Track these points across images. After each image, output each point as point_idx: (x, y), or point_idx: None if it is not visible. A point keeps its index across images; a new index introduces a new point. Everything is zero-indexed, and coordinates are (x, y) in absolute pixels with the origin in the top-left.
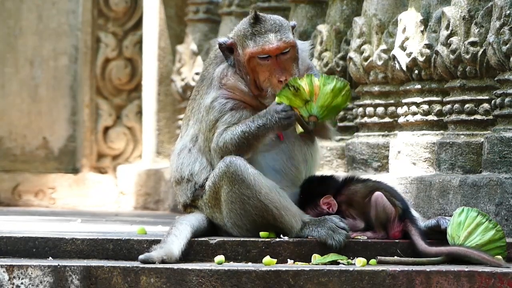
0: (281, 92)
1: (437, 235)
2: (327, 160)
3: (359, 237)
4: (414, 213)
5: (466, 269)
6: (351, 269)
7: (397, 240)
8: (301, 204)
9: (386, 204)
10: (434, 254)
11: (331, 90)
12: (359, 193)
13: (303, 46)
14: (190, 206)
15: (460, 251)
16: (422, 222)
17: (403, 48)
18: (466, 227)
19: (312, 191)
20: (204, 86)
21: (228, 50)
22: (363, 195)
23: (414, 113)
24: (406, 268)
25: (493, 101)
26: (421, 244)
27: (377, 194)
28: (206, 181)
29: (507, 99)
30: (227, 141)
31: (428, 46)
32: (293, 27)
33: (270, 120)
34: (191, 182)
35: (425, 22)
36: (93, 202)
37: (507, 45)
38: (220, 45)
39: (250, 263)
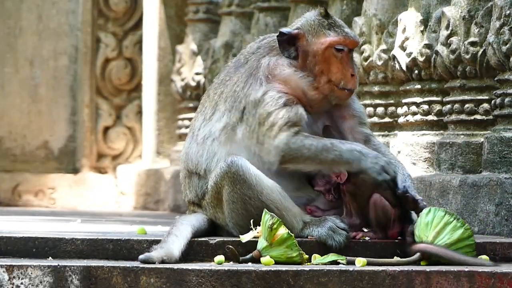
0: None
1: None
2: None
3: (360, 238)
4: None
5: (466, 269)
6: (351, 269)
7: (397, 240)
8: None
9: (385, 205)
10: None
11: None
12: (365, 189)
13: None
14: (195, 205)
15: (432, 249)
16: None
17: (403, 48)
18: (434, 226)
19: None
20: (241, 74)
21: (288, 41)
22: (368, 191)
23: (414, 113)
24: (406, 268)
25: (493, 101)
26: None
27: (376, 196)
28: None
29: (507, 99)
30: (305, 145)
31: (428, 46)
32: None
33: (373, 161)
34: (203, 180)
35: (425, 22)
36: (93, 202)
37: (507, 45)
38: (283, 34)
39: (250, 263)
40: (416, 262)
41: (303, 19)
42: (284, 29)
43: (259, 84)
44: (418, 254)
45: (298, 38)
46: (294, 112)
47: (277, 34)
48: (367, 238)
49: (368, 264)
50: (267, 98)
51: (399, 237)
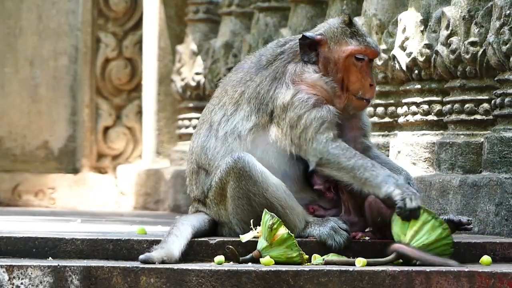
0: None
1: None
2: None
3: (360, 239)
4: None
5: (466, 269)
6: (351, 269)
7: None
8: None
9: (381, 207)
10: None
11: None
12: None
13: None
14: (199, 202)
15: (407, 251)
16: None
17: (403, 48)
18: (412, 226)
19: None
20: (264, 76)
21: (309, 46)
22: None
23: (414, 113)
24: (406, 268)
25: (493, 101)
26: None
27: (370, 198)
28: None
29: (507, 99)
30: (345, 155)
31: (428, 46)
32: None
33: (398, 189)
34: (210, 177)
35: (425, 22)
36: (93, 202)
37: (507, 45)
38: (305, 38)
39: (250, 263)
40: (392, 262)
41: (326, 25)
42: (308, 34)
43: (286, 88)
44: (394, 254)
45: (320, 44)
46: (326, 110)
47: (300, 37)
48: (366, 238)
49: (340, 263)
50: (296, 101)
51: None
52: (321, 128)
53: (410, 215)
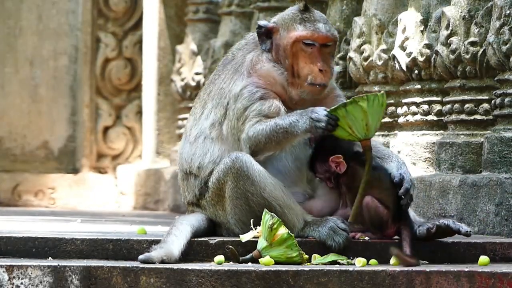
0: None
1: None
2: None
3: (360, 238)
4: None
5: (466, 269)
6: (351, 269)
7: (396, 240)
8: (312, 157)
9: (378, 207)
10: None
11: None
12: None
13: (335, 68)
14: (193, 205)
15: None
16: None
17: (403, 48)
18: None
19: (327, 146)
20: (228, 70)
21: (265, 34)
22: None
23: (414, 113)
24: (406, 268)
25: (493, 101)
26: (405, 251)
27: (367, 198)
28: (210, 177)
29: (507, 99)
30: (258, 131)
31: (428, 46)
32: None
33: (303, 118)
34: (198, 178)
35: (425, 22)
36: (93, 202)
37: (507, 45)
38: (260, 27)
39: (250, 263)
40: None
41: (281, 14)
42: (262, 22)
43: (241, 79)
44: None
45: (273, 31)
46: (268, 105)
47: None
48: (366, 238)
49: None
50: (245, 92)
51: (396, 237)
52: (253, 120)
53: (323, 132)
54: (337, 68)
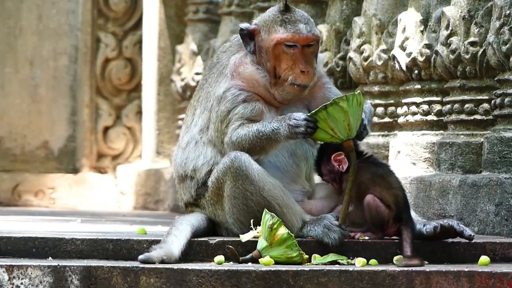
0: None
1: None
2: None
3: (360, 238)
4: (412, 213)
5: (466, 269)
6: (351, 269)
7: (396, 240)
8: (317, 160)
9: (379, 206)
10: (415, 264)
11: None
12: (361, 182)
13: (321, 55)
14: (192, 205)
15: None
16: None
17: (403, 48)
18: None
19: (330, 146)
20: (213, 74)
21: (249, 36)
22: (364, 187)
23: (414, 113)
24: (406, 268)
25: (493, 101)
26: (406, 251)
27: (369, 197)
28: (208, 177)
29: (507, 99)
30: (242, 137)
31: (428, 46)
32: None
33: (283, 125)
34: (194, 180)
35: (425, 22)
36: (93, 202)
37: (507, 45)
38: (242, 30)
39: (250, 263)
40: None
41: (262, 15)
42: (243, 25)
43: (225, 82)
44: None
45: (255, 33)
46: (250, 108)
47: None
48: (366, 238)
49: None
50: (229, 95)
51: (397, 236)
52: (235, 124)
53: (304, 137)
54: (322, 56)
